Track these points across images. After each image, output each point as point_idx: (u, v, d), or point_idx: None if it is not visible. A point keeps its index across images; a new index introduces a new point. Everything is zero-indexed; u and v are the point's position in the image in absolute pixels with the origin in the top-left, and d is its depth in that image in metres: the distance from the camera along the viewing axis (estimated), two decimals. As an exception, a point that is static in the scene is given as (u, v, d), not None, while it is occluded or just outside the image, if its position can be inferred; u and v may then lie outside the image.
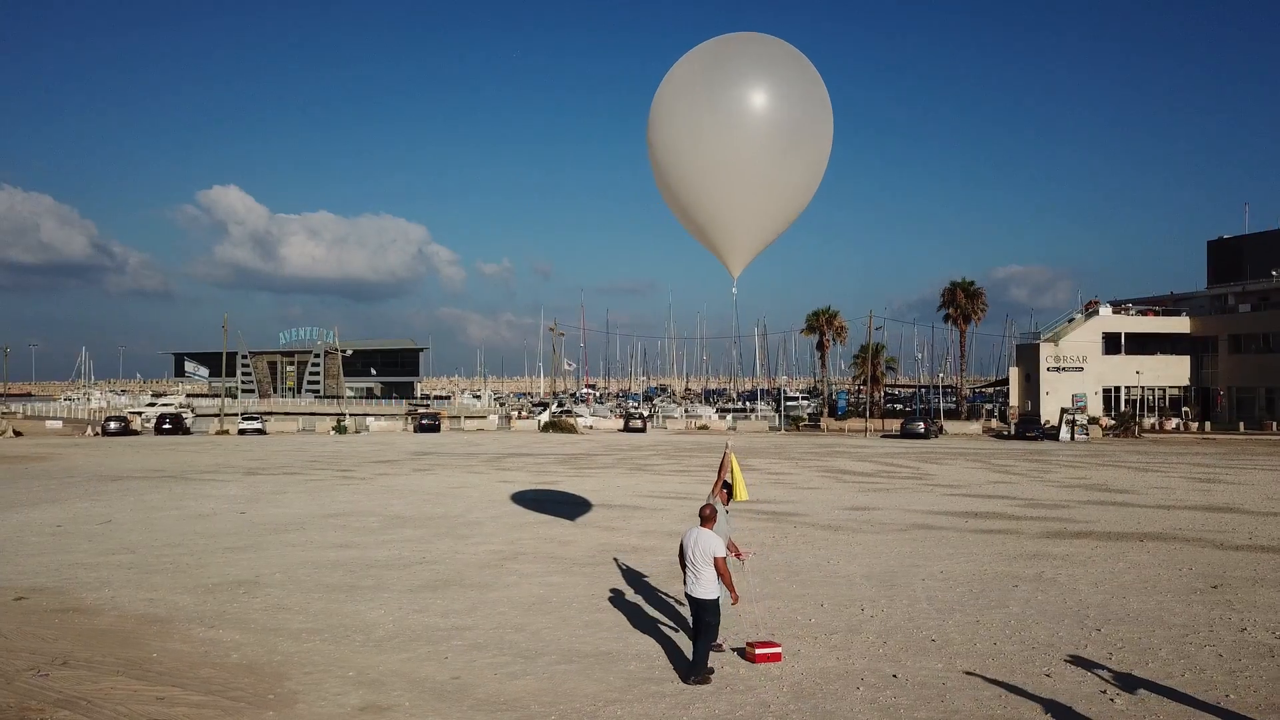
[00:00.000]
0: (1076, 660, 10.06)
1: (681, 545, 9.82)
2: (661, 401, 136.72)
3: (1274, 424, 63.34)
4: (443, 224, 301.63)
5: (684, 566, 9.72)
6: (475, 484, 29.40)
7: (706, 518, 9.85)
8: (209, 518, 21.58)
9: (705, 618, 9.47)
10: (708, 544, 9.52)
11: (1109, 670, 9.69)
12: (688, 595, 9.71)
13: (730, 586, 9.56)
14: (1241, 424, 64.13)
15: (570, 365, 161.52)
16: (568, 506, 23.25)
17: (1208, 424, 65.24)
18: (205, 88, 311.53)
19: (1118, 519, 20.99)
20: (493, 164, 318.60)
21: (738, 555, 10.70)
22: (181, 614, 12.30)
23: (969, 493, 26.74)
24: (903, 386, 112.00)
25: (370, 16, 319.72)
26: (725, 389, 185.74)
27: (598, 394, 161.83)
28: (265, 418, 72.82)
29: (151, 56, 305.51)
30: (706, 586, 9.48)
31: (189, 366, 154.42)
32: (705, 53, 12.67)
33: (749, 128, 12.11)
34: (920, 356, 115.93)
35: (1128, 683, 9.29)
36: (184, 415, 71.57)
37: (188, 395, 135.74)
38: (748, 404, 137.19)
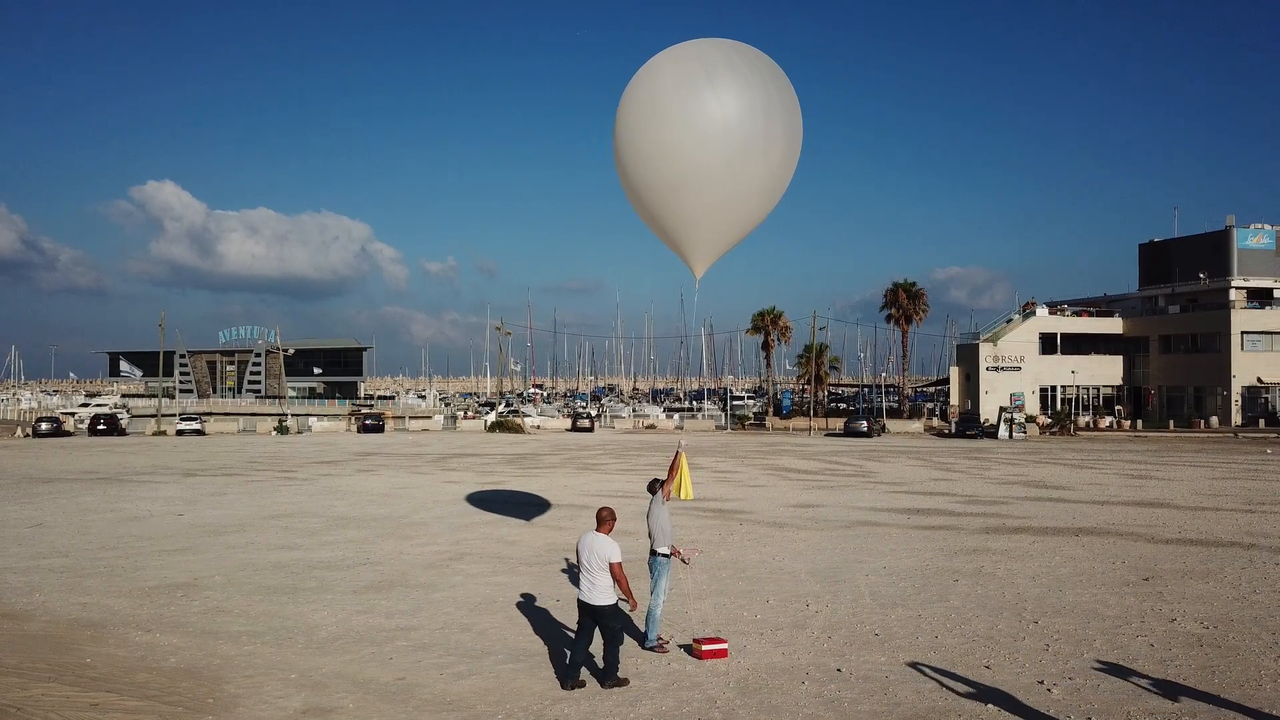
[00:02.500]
0: (1016, 653, 10.28)
1: (577, 551, 9.43)
2: (609, 401, 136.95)
3: (1202, 422, 65.39)
4: (386, 222, 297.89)
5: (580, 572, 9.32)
6: (420, 484, 29.12)
7: (603, 520, 9.43)
8: (145, 520, 21.08)
9: (608, 624, 9.12)
10: (603, 549, 9.12)
11: (1049, 661, 9.93)
12: (581, 602, 9.25)
13: (627, 592, 9.16)
14: (1171, 422, 66.08)
15: (517, 365, 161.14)
16: (514, 506, 23.14)
17: (1139, 422, 67.11)
18: (137, 82, 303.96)
19: (1054, 514, 21.49)
20: (436, 161, 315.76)
21: (679, 557, 10.67)
22: (117, 618, 12.00)
23: (911, 490, 27.18)
24: (846, 386, 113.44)
25: (308, 14, 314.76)
26: (673, 389, 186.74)
27: (545, 394, 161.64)
28: (204, 418, 71.33)
29: (81, 50, 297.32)
30: (603, 593, 9.09)
31: (124, 366, 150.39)
32: (675, 57, 12.58)
33: (718, 133, 12.01)
34: (863, 356, 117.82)
35: (1064, 673, 9.52)
36: (119, 416, 69.83)
37: (123, 395, 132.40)
38: (695, 403, 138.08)
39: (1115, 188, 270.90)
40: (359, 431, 67.07)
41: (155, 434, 63.50)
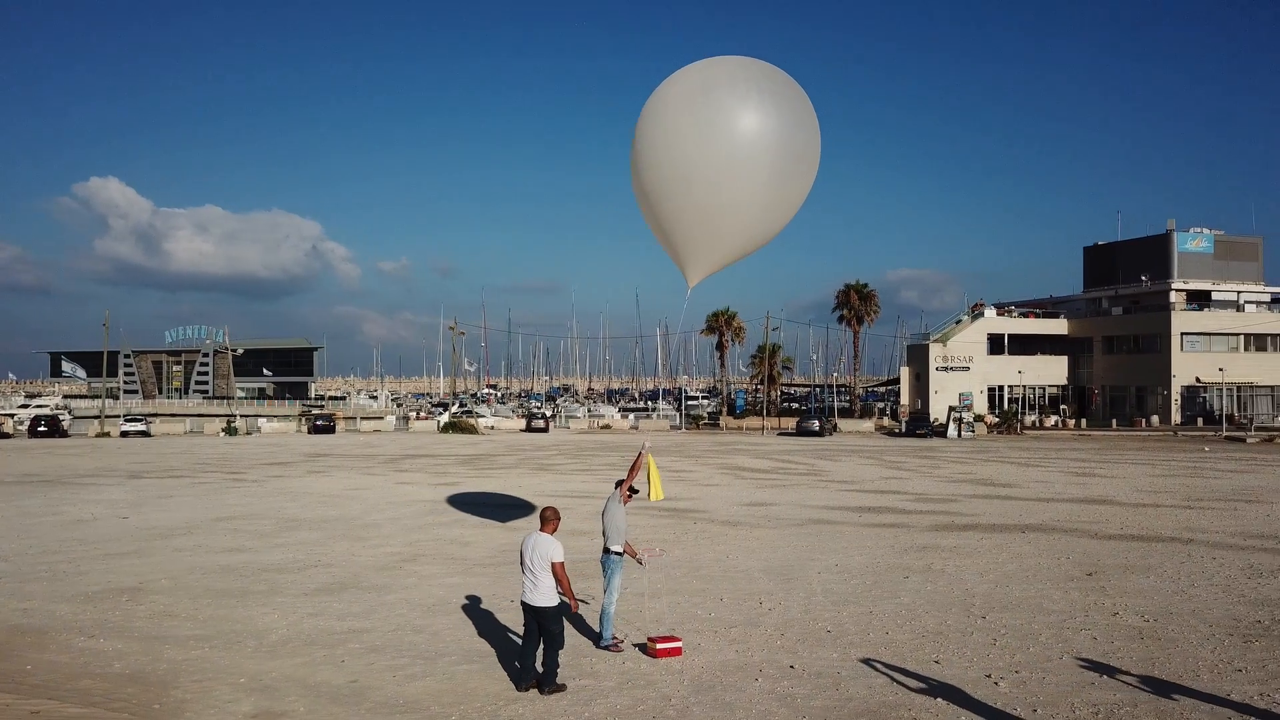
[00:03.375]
0: (965, 648, 10.47)
1: (520, 551, 9.38)
2: (564, 401, 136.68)
3: (1143, 421, 67.01)
4: (337, 220, 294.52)
5: (523, 573, 9.25)
6: (373, 486, 28.84)
7: (547, 520, 9.37)
8: (89, 524, 20.62)
9: (549, 626, 9.07)
10: (546, 549, 9.09)
11: (996, 655, 10.13)
12: (524, 604, 9.21)
13: (569, 593, 9.14)
14: (1114, 421, 67.64)
15: (471, 365, 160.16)
16: (469, 507, 23.03)
17: (1083, 421, 68.56)
18: (78, 77, 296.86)
19: (1001, 511, 21.90)
20: (389, 160, 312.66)
21: (635, 557, 10.73)
22: (59, 624, 11.74)
23: (862, 488, 27.51)
24: (799, 386, 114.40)
25: (254, 12, 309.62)
26: (628, 389, 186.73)
27: (499, 394, 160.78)
28: (150, 419, 69.92)
29: (20, 41, 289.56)
30: (545, 594, 9.04)
31: (66, 366, 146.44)
32: (703, 71, 12.55)
33: (739, 153, 11.95)
34: (815, 358, 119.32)
35: (1011, 667, 9.72)
36: (61, 417, 68.06)
37: (65, 396, 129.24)
38: (650, 403, 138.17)
39: (1062, 192, 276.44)
40: (310, 432, 66.29)
41: (99, 435, 62.11)
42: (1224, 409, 65.73)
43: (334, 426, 67.28)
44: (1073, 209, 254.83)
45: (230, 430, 63.80)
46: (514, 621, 11.69)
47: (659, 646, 10.09)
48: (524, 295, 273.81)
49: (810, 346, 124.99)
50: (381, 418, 78.92)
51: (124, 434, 62.11)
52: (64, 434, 63.93)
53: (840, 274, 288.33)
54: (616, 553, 10.47)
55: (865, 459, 40.49)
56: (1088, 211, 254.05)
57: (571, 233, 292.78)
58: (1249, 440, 55.02)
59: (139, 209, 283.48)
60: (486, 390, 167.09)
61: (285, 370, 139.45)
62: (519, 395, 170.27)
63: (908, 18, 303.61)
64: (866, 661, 9.89)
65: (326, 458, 41.58)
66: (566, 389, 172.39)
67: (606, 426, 74.08)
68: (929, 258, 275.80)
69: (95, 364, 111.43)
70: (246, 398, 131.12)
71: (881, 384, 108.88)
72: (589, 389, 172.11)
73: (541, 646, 9.23)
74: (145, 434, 62.94)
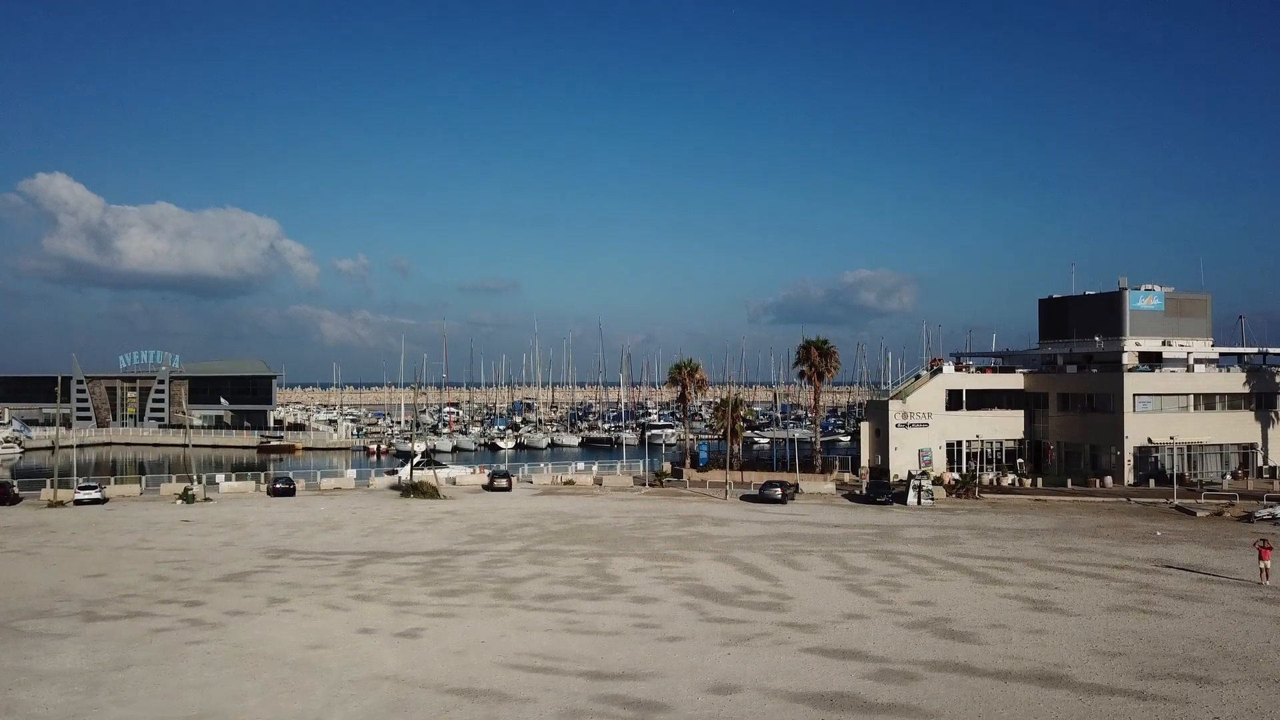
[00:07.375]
0: None
1: None
2: (527, 430, 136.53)
3: (1098, 481, 68.36)
4: (295, 219, 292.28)
5: None
6: (333, 639, 28.58)
7: None
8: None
9: None
10: None
11: None
12: None
13: None
14: (1069, 481, 68.90)
15: (433, 412, 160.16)
16: (428, 694, 22.97)
17: (1039, 480, 69.71)
18: (25, 69, 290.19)
19: (959, 708, 22.21)
20: (346, 158, 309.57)
21: None
22: None
23: (823, 648, 27.75)
24: (760, 431, 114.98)
25: (203, 6, 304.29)
26: (590, 404, 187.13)
27: (459, 414, 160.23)
28: (105, 483, 68.72)
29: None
30: None
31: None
32: None
33: None
34: (774, 398, 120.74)
35: None
36: (10, 484, 66.10)
37: (17, 422, 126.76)
38: (613, 428, 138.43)
39: (1016, 201, 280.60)
40: (270, 494, 65.82)
41: (52, 505, 60.83)
42: (1175, 469, 67.32)
43: (294, 489, 66.63)
44: (1026, 219, 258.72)
45: (187, 498, 62.74)
46: None
47: None
48: (483, 295, 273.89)
49: (770, 359, 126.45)
50: (340, 472, 78.26)
51: (78, 502, 61.08)
52: (14, 500, 62.69)
53: (800, 275, 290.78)
54: None
55: (827, 566, 40.94)
56: (1041, 222, 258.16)
57: (530, 232, 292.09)
58: (1199, 515, 56.40)
59: (89, 206, 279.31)
60: (448, 409, 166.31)
61: (242, 398, 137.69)
62: (481, 411, 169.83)
63: (892, 44, 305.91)
64: None
65: (284, 562, 41.20)
66: (529, 407, 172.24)
67: (570, 482, 74.05)
68: (884, 258, 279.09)
69: (45, 388, 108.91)
70: (204, 426, 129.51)
71: (842, 435, 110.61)
72: (552, 403, 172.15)
73: None
74: (101, 501, 62.02)
